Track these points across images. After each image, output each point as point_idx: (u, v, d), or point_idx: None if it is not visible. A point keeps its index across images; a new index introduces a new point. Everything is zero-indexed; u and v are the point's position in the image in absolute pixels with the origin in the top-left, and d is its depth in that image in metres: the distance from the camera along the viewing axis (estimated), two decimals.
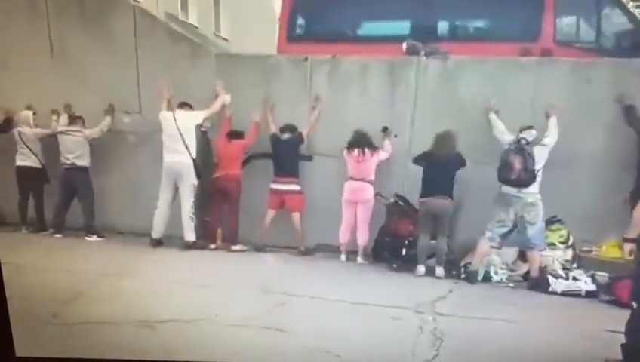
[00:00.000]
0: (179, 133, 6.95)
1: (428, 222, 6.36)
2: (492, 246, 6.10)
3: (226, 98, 7.19)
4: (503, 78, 6.80)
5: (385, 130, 6.98)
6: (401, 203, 6.71)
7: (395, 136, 7.03)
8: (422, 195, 6.41)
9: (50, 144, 7.68)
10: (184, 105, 7.17)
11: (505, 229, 6.06)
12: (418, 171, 6.67)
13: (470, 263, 6.18)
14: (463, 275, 6.19)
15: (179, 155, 6.97)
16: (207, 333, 4.14)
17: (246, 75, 7.44)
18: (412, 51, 7.27)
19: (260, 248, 7.12)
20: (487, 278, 6.20)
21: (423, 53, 7.17)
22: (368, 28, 9.06)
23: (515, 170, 5.88)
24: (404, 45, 7.35)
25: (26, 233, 7.74)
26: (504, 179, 5.97)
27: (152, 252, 6.97)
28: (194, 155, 7.05)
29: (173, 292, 5.12)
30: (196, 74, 7.56)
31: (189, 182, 7.01)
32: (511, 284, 6.20)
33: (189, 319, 4.34)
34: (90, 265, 6.01)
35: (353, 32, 9.09)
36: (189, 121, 7.03)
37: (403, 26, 8.53)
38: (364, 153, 6.70)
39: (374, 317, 4.64)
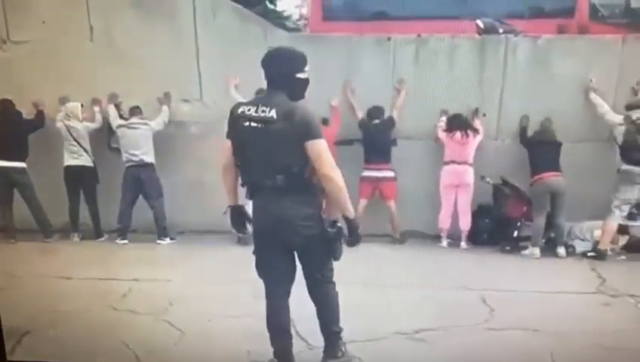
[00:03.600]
0: None
1: (544, 202, 6.32)
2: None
3: None
4: (592, 57, 6.79)
5: (475, 110, 6.80)
6: (508, 184, 6.61)
7: (484, 115, 6.88)
8: (532, 175, 6.36)
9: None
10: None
11: (628, 207, 6.15)
12: (507, 151, 6.66)
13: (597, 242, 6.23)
14: (590, 254, 6.21)
15: None
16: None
17: (323, 57, 6.92)
18: (487, 30, 7.13)
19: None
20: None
21: (501, 30, 7.05)
22: (410, 5, 8.77)
23: None
24: (479, 23, 7.18)
25: (78, 240, 6.90)
26: (629, 158, 6.03)
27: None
28: None
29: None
30: None
31: None
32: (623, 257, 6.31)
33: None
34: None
35: (395, 9, 8.76)
36: None
37: (445, 3, 8.39)
38: (467, 135, 6.52)
39: (589, 305, 4.54)
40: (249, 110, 2.94)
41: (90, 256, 6.26)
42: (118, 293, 4.78)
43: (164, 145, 6.88)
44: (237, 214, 3.28)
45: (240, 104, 3.07)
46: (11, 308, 4.09)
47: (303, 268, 3.20)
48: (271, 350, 3.24)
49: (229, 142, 3.05)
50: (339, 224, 3.05)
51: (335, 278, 3.25)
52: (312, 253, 3.12)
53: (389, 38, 6.91)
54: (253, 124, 2.91)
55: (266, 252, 3.13)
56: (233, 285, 4.97)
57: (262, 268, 3.18)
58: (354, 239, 3.10)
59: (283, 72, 3.02)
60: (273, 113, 2.88)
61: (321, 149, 2.91)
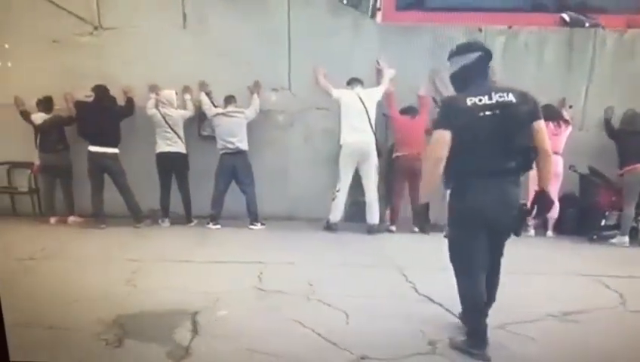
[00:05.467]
0: (365, 112, 6.50)
1: (636, 192, 6.47)
2: None
3: (391, 72, 6.82)
4: None
5: (562, 101, 6.93)
6: (597, 174, 6.75)
7: (570, 107, 7.00)
8: (623, 165, 6.50)
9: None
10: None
11: None
12: (588, 141, 6.81)
13: None
14: None
15: (363, 135, 6.56)
16: None
17: (411, 47, 7.03)
18: (572, 23, 7.25)
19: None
20: None
21: (587, 25, 7.17)
22: None
23: None
24: (564, 17, 7.29)
25: (168, 226, 6.99)
26: None
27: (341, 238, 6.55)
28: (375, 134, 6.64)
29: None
30: (357, 46, 7.00)
31: (373, 162, 6.63)
32: None
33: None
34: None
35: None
36: (373, 97, 6.61)
37: None
38: (559, 126, 6.64)
39: None
40: (480, 100, 3.08)
41: (196, 240, 6.36)
42: (253, 275, 4.86)
43: (251, 133, 6.93)
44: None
45: (463, 97, 3.16)
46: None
47: (493, 246, 3.34)
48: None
49: (447, 134, 3.11)
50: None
51: None
52: (508, 230, 3.29)
53: (480, 29, 7.00)
54: (488, 112, 3.05)
55: (474, 232, 3.25)
56: (357, 268, 5.21)
57: (468, 248, 3.29)
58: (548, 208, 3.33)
59: (486, 61, 3.25)
60: (512, 97, 3.06)
61: (543, 127, 3.12)
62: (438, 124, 3.15)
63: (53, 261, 5.33)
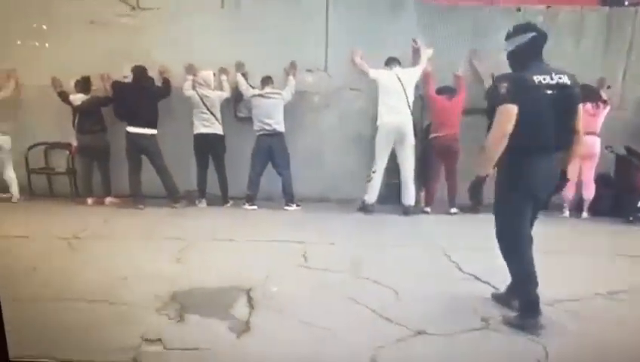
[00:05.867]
0: (403, 92, 6.50)
1: None
2: None
3: (428, 52, 6.79)
4: None
5: (600, 80, 6.85)
6: (634, 154, 6.71)
7: (609, 87, 6.93)
8: None
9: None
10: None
11: None
12: (626, 121, 6.81)
13: None
14: None
15: (401, 115, 6.56)
16: None
17: (449, 27, 6.97)
18: (612, 2, 7.15)
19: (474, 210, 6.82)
20: None
21: (626, 3, 7.07)
22: None
23: None
24: None
25: (204, 206, 7.09)
26: None
27: (383, 220, 6.59)
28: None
29: None
30: (395, 26, 6.96)
31: (410, 142, 6.63)
32: None
33: None
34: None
35: None
36: (411, 77, 6.59)
37: None
38: (597, 106, 6.59)
39: None
40: (545, 79, 3.21)
41: (235, 220, 6.45)
42: (297, 254, 4.95)
43: (286, 114, 6.94)
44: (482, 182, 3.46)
45: (529, 74, 3.23)
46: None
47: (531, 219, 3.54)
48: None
49: (515, 109, 3.17)
50: None
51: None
52: (545, 203, 3.53)
53: (518, 9, 6.92)
54: (550, 91, 3.20)
55: (524, 206, 3.43)
56: (398, 248, 5.28)
57: (519, 222, 3.45)
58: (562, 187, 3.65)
59: (540, 42, 3.39)
60: (566, 79, 3.24)
61: (581, 109, 3.42)
62: (505, 98, 3.19)
63: (98, 240, 5.46)
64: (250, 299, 3.84)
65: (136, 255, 4.93)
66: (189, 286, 4.06)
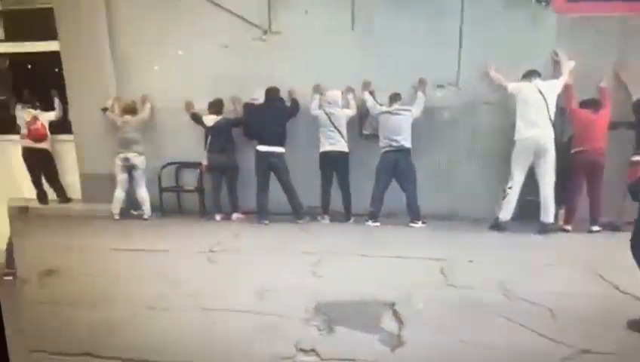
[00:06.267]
0: (545, 104, 6.16)
1: None
2: None
3: (570, 63, 6.39)
4: None
5: None
6: None
7: None
8: None
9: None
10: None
11: None
12: None
13: None
14: None
15: (542, 129, 6.22)
16: None
17: (591, 38, 6.52)
18: None
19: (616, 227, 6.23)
20: None
21: None
22: None
23: None
24: None
25: (327, 222, 7.09)
26: None
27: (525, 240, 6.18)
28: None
29: None
30: (536, 38, 6.65)
31: (551, 157, 6.25)
32: None
33: None
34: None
35: None
36: (553, 90, 6.26)
37: None
38: None
39: None
40: None
41: (360, 236, 6.39)
42: (435, 271, 4.77)
43: (414, 129, 6.77)
44: None
45: None
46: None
47: None
48: None
49: None
50: None
51: None
52: None
53: None
54: None
55: None
56: (542, 267, 5.00)
57: None
58: None
59: None
60: None
61: None
62: None
63: (232, 254, 5.58)
64: (395, 313, 3.70)
65: (272, 268, 5.00)
66: (331, 298, 4.01)
